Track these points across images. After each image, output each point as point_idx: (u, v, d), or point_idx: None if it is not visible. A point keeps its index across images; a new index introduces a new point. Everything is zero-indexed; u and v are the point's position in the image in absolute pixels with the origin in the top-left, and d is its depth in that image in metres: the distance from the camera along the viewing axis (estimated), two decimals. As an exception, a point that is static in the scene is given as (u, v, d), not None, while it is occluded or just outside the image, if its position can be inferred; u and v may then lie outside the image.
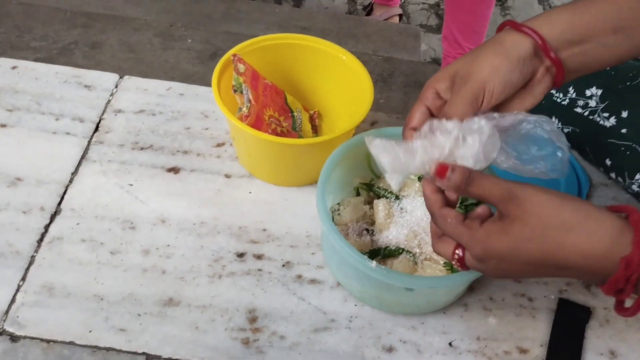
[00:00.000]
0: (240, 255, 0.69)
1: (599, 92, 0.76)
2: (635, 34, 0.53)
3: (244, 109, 0.70)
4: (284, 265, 0.69)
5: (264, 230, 0.72)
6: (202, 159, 0.78)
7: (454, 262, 0.51)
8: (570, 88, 0.79)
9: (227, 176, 0.77)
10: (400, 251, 0.65)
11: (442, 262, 0.64)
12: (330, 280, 0.68)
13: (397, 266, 0.64)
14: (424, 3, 2.13)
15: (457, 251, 0.50)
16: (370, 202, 0.72)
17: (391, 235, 0.67)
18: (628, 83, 0.75)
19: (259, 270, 0.68)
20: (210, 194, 0.74)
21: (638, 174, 0.73)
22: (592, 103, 0.76)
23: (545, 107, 0.81)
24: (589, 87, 0.77)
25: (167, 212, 0.72)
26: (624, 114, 0.73)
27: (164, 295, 0.65)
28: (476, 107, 0.52)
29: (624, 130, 0.73)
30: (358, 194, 0.73)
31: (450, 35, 1.52)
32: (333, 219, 0.69)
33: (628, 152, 0.73)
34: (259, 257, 0.69)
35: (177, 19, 1.44)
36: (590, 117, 0.76)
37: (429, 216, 0.66)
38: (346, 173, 0.71)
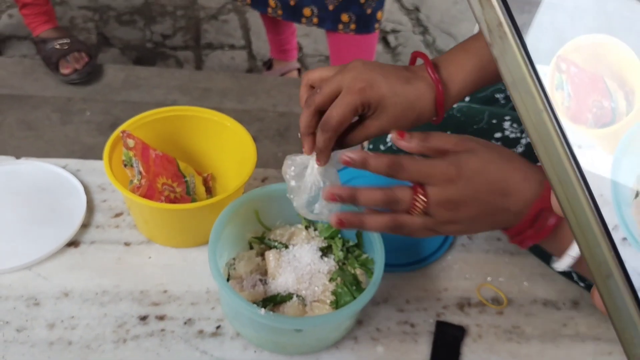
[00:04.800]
0: (143, 318, 0.73)
1: None
2: None
3: (135, 180, 0.76)
4: (185, 323, 0.73)
5: (165, 291, 0.76)
6: (101, 230, 0.82)
7: (417, 203, 0.55)
8: (431, 133, 0.89)
9: (127, 244, 0.81)
10: (290, 296, 0.72)
11: (328, 302, 0.71)
12: (230, 332, 0.73)
13: (287, 310, 0.70)
14: (320, 55, 2.27)
15: (418, 193, 0.54)
16: (262, 254, 0.78)
17: (282, 281, 0.73)
18: (475, 126, 0.86)
19: (162, 330, 0.72)
20: (111, 263, 0.78)
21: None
22: None
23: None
24: (445, 131, 0.88)
25: (69, 285, 0.76)
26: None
27: (71, 366, 0.68)
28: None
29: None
30: (251, 248, 0.79)
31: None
32: (229, 274, 0.75)
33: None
34: (161, 318, 0.74)
35: (76, 91, 1.48)
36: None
37: (315, 262, 0.73)
38: (238, 229, 0.77)
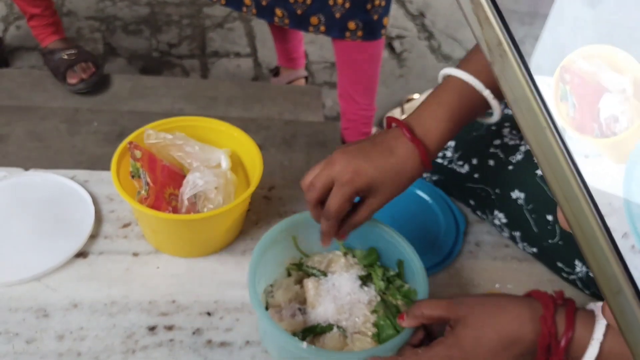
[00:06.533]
0: (152, 328, 0.73)
1: (453, 143, 0.87)
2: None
3: (143, 191, 0.76)
4: (194, 333, 0.74)
5: (173, 301, 0.77)
6: (109, 241, 0.83)
7: None
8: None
9: (135, 254, 0.81)
10: (331, 327, 0.69)
11: (369, 334, 0.68)
12: (239, 341, 0.73)
13: (327, 342, 0.68)
14: (325, 62, 2.27)
15: None
16: (301, 281, 0.75)
17: (321, 311, 0.70)
18: (474, 133, 0.86)
19: (171, 340, 0.72)
20: (119, 273, 0.79)
21: (495, 210, 0.83)
22: (449, 153, 0.87)
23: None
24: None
25: (78, 296, 0.76)
26: (474, 161, 0.84)
27: (80, 377, 0.69)
28: None
29: (476, 175, 0.84)
30: (289, 274, 0.76)
31: (345, 93, 1.63)
32: (267, 301, 0.72)
33: (483, 194, 0.83)
34: (169, 328, 0.74)
35: (83, 102, 1.48)
36: (449, 165, 0.87)
37: (355, 292, 0.71)
38: (276, 255, 0.74)
